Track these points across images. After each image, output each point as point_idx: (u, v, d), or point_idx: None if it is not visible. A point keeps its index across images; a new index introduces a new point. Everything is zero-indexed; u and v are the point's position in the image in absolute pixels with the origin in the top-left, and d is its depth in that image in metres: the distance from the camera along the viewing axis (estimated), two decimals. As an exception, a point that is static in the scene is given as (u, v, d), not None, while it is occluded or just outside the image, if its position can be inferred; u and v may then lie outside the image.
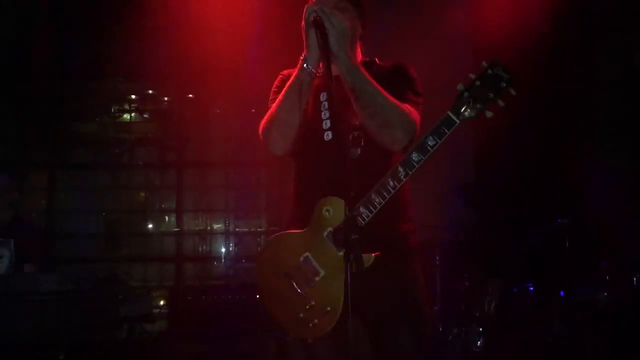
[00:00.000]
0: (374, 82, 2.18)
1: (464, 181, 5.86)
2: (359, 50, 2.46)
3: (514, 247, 5.02)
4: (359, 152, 2.26)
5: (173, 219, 6.96)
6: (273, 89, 2.47)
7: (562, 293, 4.27)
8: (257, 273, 2.37)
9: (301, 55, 2.30)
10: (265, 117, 2.36)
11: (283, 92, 2.29)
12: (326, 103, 2.34)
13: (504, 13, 5.50)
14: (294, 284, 2.21)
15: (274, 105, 2.32)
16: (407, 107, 2.23)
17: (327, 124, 2.33)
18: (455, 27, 5.35)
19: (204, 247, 6.97)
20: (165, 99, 6.98)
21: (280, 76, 2.49)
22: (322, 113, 2.34)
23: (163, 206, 7.03)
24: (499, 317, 4.64)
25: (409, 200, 2.40)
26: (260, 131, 2.36)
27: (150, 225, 6.98)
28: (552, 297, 4.32)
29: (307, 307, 2.19)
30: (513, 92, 1.95)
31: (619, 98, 6.48)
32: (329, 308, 2.15)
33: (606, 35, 6.45)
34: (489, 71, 1.95)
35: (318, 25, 2.13)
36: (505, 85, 1.94)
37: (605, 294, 4.14)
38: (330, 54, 2.13)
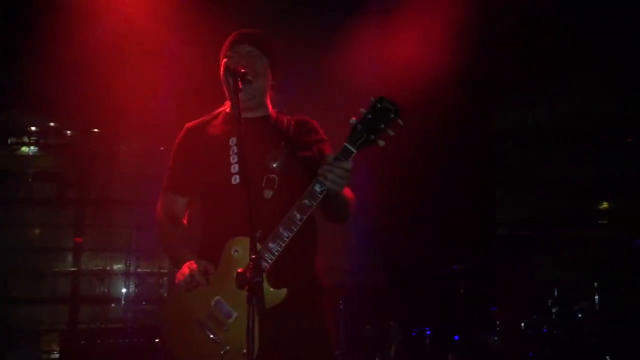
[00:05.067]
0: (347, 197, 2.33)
1: (368, 227, 6.02)
2: (269, 100, 2.56)
3: (414, 292, 5.19)
4: (272, 194, 2.33)
5: (70, 257, 6.65)
6: (176, 145, 2.57)
7: (456, 337, 4.44)
8: (165, 320, 2.35)
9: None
10: (158, 227, 2.54)
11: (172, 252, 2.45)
12: (235, 147, 2.40)
13: (409, 66, 5.78)
14: (207, 330, 2.22)
15: (165, 241, 2.51)
16: (348, 190, 2.35)
17: (235, 168, 2.39)
18: (361, 80, 5.55)
19: (102, 288, 6.68)
20: (68, 132, 6.74)
21: (184, 131, 2.56)
22: (231, 157, 2.40)
23: (60, 244, 6.70)
24: (398, 361, 4.75)
25: (318, 241, 2.47)
26: (155, 212, 2.52)
27: (43, 265, 6.62)
28: (447, 341, 4.49)
29: (222, 352, 2.18)
30: (401, 123, 2.11)
31: (514, 153, 6.97)
32: (244, 350, 2.15)
33: (503, 94, 6.95)
34: (378, 105, 2.09)
35: (232, 72, 2.22)
36: (393, 116, 2.09)
37: (496, 337, 4.36)
38: (240, 102, 2.21)
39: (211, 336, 2.21)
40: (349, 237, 5.45)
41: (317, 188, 2.15)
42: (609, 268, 4.97)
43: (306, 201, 2.16)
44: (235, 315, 2.22)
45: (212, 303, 2.24)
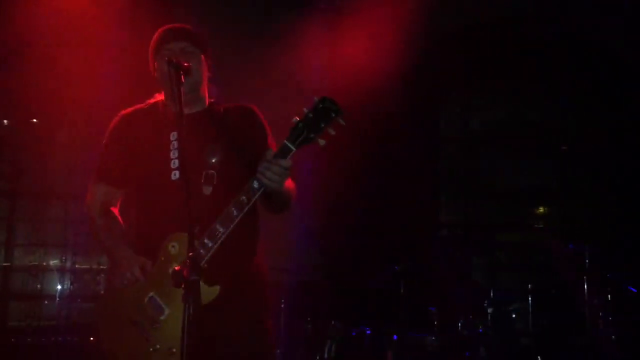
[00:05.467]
0: (287, 190, 2.31)
1: (311, 225, 6.03)
2: (206, 93, 2.52)
3: (354, 291, 5.24)
4: (211, 190, 2.30)
5: (2, 253, 6.38)
6: (109, 133, 2.49)
7: (395, 337, 4.50)
8: (98, 318, 2.30)
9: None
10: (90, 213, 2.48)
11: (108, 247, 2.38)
12: (176, 142, 2.36)
13: (357, 68, 5.82)
14: (138, 327, 2.18)
15: (100, 236, 2.42)
16: (289, 180, 2.34)
17: (174, 163, 2.34)
18: (310, 80, 5.55)
19: (36, 285, 6.43)
20: (5, 122, 6.46)
21: (118, 118, 2.49)
22: (171, 152, 2.36)
23: (-10, 238, 6.42)
24: (338, 360, 4.77)
25: (259, 236, 2.46)
26: (85, 204, 2.47)
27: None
28: (386, 341, 4.54)
29: (152, 350, 2.15)
30: (342, 122, 2.13)
31: (456, 157, 7.13)
32: (174, 349, 2.12)
33: (448, 97, 7.10)
34: (320, 105, 2.12)
35: (176, 66, 2.19)
36: (334, 115, 2.11)
37: (433, 337, 4.45)
38: (184, 96, 2.18)
39: (142, 333, 2.16)
40: (292, 237, 5.44)
41: (255, 185, 2.15)
42: (542, 271, 5.15)
43: (243, 197, 2.15)
44: (167, 312, 2.19)
45: (146, 300, 2.20)
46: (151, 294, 2.21)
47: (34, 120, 6.34)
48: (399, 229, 5.85)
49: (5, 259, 6.33)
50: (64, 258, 6.49)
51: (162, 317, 2.18)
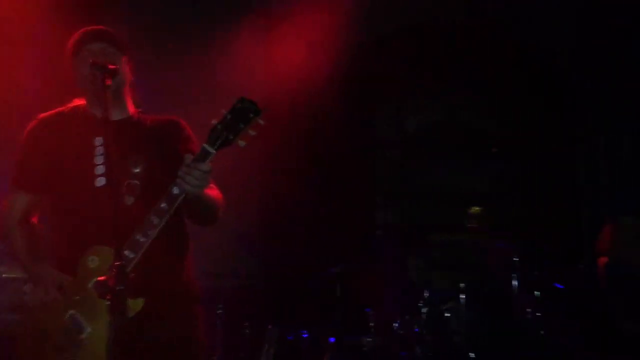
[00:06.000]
0: (210, 195, 2.25)
1: (246, 229, 5.98)
2: (130, 100, 2.45)
3: (292, 295, 5.23)
4: (133, 200, 2.22)
5: None
6: (25, 137, 2.39)
7: (331, 339, 4.51)
8: (18, 340, 2.19)
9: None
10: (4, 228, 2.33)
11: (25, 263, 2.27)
12: (102, 148, 2.27)
13: (293, 72, 5.82)
14: (62, 351, 2.09)
15: (17, 250, 2.31)
16: (216, 191, 2.28)
17: (99, 169, 2.26)
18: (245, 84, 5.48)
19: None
20: None
21: (36, 122, 2.38)
22: (95, 158, 2.27)
23: None
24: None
25: (188, 249, 2.39)
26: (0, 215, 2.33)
27: None
28: (323, 344, 4.55)
29: None
30: (261, 122, 2.10)
31: (392, 159, 7.23)
32: None
33: (383, 99, 7.19)
34: (238, 105, 2.08)
35: (100, 68, 2.12)
36: (252, 116, 2.07)
37: (370, 338, 4.49)
38: (110, 100, 2.11)
39: (64, 354, 2.08)
40: (226, 241, 5.38)
41: (175, 191, 2.09)
42: (476, 270, 5.28)
43: (163, 204, 2.08)
44: (88, 330, 2.09)
45: (66, 317, 2.11)
46: (72, 311, 2.12)
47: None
48: (335, 231, 5.87)
49: None
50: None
51: (83, 336, 2.09)
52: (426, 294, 4.74)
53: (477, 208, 6.95)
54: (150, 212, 2.08)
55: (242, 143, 2.07)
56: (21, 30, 4.84)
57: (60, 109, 2.43)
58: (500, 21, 6.19)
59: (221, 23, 5.46)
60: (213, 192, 2.29)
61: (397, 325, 4.65)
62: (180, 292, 2.30)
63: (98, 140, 2.28)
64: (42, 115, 2.42)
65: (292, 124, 5.94)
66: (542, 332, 4.50)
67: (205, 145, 2.07)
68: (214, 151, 2.06)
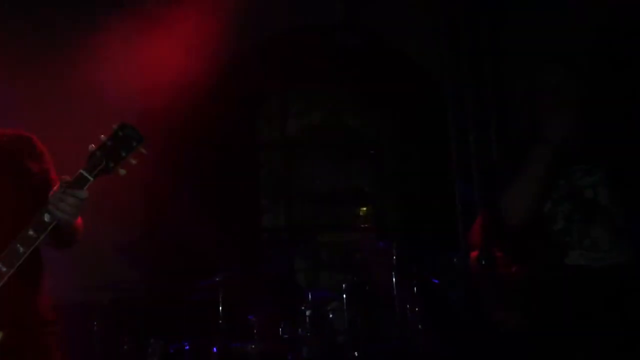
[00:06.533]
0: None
1: (128, 239, 5.74)
2: None
3: (172, 305, 5.09)
4: None
5: None
6: None
7: (215, 349, 4.43)
8: None
9: None
10: None
11: None
12: None
13: (172, 77, 5.64)
14: None
15: None
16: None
17: None
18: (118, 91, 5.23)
19: None
20: None
21: None
22: None
23: None
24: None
25: (43, 269, 2.26)
26: None
27: None
28: (206, 354, 4.46)
29: None
30: (144, 151, 2.05)
31: (276, 162, 7.25)
32: None
33: (264, 102, 7.18)
34: (120, 132, 2.00)
35: None
36: (136, 144, 2.01)
37: (253, 345, 4.45)
38: None
39: None
40: (104, 253, 5.14)
41: (46, 218, 1.95)
42: (358, 269, 5.38)
43: (32, 232, 1.94)
44: None
45: None
46: None
47: None
48: (219, 237, 5.78)
49: None
50: None
51: None
52: (309, 296, 4.77)
53: (364, 209, 7.15)
54: (15, 240, 1.93)
55: (122, 171, 2.00)
56: None
57: None
58: (376, 25, 6.37)
59: (85, 22, 5.17)
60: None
61: (281, 329, 4.65)
62: (36, 322, 2.16)
63: None
64: None
65: (173, 130, 5.78)
66: (420, 326, 4.67)
67: (83, 172, 1.97)
68: (92, 178, 1.98)
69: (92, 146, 2.00)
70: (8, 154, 2.19)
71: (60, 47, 5.02)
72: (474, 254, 4.14)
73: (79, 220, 2.22)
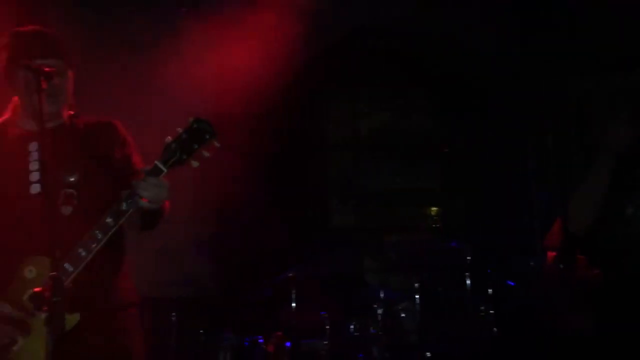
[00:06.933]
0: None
1: (202, 236, 5.90)
2: (65, 106, 2.37)
3: (246, 300, 5.18)
4: (70, 210, 2.15)
5: None
6: None
7: (288, 344, 4.48)
8: None
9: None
10: None
11: None
12: (36, 153, 2.19)
13: (244, 76, 5.76)
14: None
15: None
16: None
17: (34, 176, 2.17)
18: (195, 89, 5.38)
19: None
20: None
21: None
22: (30, 164, 2.19)
23: None
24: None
25: (124, 257, 2.34)
26: None
27: None
28: (280, 349, 4.51)
29: None
30: (217, 145, 2.10)
31: (345, 161, 7.26)
32: None
33: (334, 100, 7.21)
34: (194, 125, 2.06)
35: (35, 71, 2.05)
36: (208, 137, 2.06)
37: (325, 342, 4.47)
38: (45, 104, 2.04)
39: None
40: (180, 249, 5.30)
41: (124, 207, 2.03)
42: (429, 269, 5.32)
43: (109, 220, 2.03)
44: (21, 343, 2.02)
45: None
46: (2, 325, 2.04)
47: None
48: (290, 235, 5.85)
49: None
50: None
51: (15, 348, 2.02)
52: (381, 295, 4.74)
53: (435, 209, 7.04)
54: (95, 226, 2.03)
55: (195, 163, 2.06)
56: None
57: None
58: (448, 25, 6.27)
59: (164, 24, 5.35)
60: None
61: (352, 327, 4.64)
62: (116, 306, 2.24)
63: (33, 146, 2.20)
64: None
65: (246, 129, 5.89)
66: (495, 329, 4.57)
67: (158, 163, 2.05)
68: (166, 170, 2.05)
69: (169, 138, 2.07)
70: (94, 141, 2.30)
71: (140, 48, 5.22)
72: (551, 254, 4.02)
73: (166, 204, 2.29)
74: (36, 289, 1.88)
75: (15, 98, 2.32)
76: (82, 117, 2.37)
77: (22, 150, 2.21)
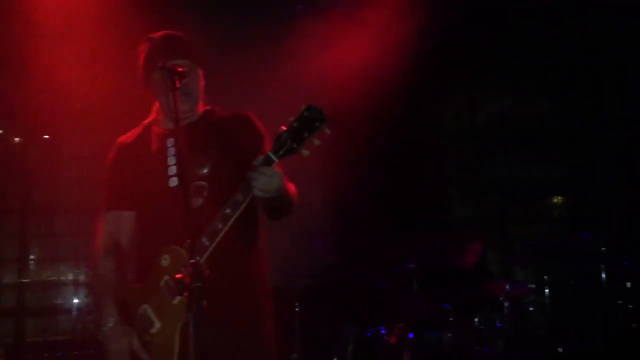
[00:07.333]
0: (289, 192, 2.25)
1: (323, 228, 5.99)
2: (199, 103, 2.48)
3: (368, 291, 5.19)
4: (201, 202, 2.24)
5: (14, 269, 6.39)
6: (109, 163, 2.45)
7: (410, 335, 4.44)
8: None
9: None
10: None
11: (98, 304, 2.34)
12: (173, 149, 2.32)
13: (357, 67, 5.78)
14: (134, 339, 2.19)
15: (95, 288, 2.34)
16: (291, 186, 2.27)
17: (172, 170, 2.30)
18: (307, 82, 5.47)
19: (50, 300, 6.44)
20: (17, 139, 6.47)
21: (115, 147, 2.46)
22: (168, 159, 2.32)
23: (3, 256, 6.43)
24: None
25: (258, 241, 2.40)
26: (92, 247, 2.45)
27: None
28: (402, 340, 4.48)
29: None
30: (327, 132, 2.03)
31: (464, 151, 7.07)
32: None
33: (452, 91, 7.04)
34: (305, 113, 2.01)
35: (169, 71, 2.16)
36: (318, 124, 2.00)
37: (449, 334, 4.38)
38: (179, 101, 2.15)
39: (135, 345, 2.19)
40: (302, 241, 5.41)
41: (240, 197, 2.08)
42: (559, 261, 5.06)
43: (228, 210, 2.09)
44: (157, 326, 2.16)
45: (139, 312, 2.19)
46: (145, 306, 2.20)
47: (46, 136, 6.35)
48: (409, 228, 5.79)
49: (19, 276, 6.34)
50: (77, 272, 6.51)
51: (152, 331, 2.17)
52: (507, 288, 4.57)
53: (560, 197, 6.67)
54: (216, 217, 2.09)
55: (305, 152, 2.02)
56: (93, 39, 5.03)
57: (136, 129, 2.49)
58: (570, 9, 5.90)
59: (285, 22, 5.50)
60: (288, 188, 2.26)
61: (477, 320, 4.51)
62: (249, 290, 2.31)
63: (170, 141, 2.33)
64: (119, 139, 2.48)
65: (365, 120, 5.92)
66: (634, 325, 4.26)
67: (270, 154, 2.05)
68: (277, 159, 2.03)
69: (282, 128, 2.05)
70: (227, 134, 2.37)
71: (261, 45, 5.40)
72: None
73: (292, 191, 2.32)
74: (177, 275, 1.99)
75: (156, 102, 2.47)
76: (217, 112, 2.47)
77: (162, 147, 2.34)
